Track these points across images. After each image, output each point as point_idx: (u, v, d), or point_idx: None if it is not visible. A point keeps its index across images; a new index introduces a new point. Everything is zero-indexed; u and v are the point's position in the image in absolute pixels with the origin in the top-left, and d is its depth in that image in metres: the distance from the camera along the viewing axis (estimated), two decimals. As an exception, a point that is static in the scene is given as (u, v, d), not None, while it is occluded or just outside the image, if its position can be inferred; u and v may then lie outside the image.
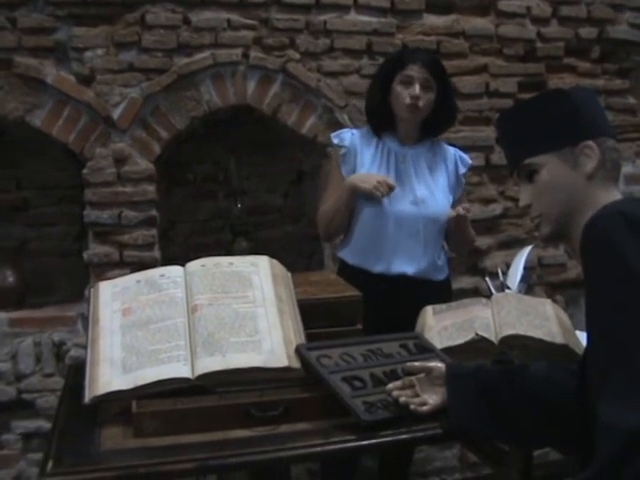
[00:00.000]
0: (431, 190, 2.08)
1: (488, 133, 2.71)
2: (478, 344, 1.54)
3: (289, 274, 1.54)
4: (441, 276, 2.14)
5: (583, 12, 2.78)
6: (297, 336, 1.37)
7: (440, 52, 2.63)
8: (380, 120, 2.12)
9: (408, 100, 2.02)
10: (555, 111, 1.17)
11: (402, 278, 2.04)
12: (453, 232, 2.12)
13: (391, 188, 1.98)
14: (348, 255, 2.12)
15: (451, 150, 2.19)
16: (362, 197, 2.04)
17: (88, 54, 2.34)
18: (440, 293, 2.07)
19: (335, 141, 2.13)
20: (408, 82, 2.02)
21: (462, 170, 2.16)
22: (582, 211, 1.12)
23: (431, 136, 2.15)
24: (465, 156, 2.20)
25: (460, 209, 2.02)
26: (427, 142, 2.15)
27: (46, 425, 2.31)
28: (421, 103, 2.02)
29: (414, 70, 2.02)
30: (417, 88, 2.01)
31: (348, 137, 2.11)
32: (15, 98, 2.30)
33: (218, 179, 2.76)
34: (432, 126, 2.13)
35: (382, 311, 1.90)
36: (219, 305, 1.37)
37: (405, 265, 2.05)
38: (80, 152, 2.37)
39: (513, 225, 2.80)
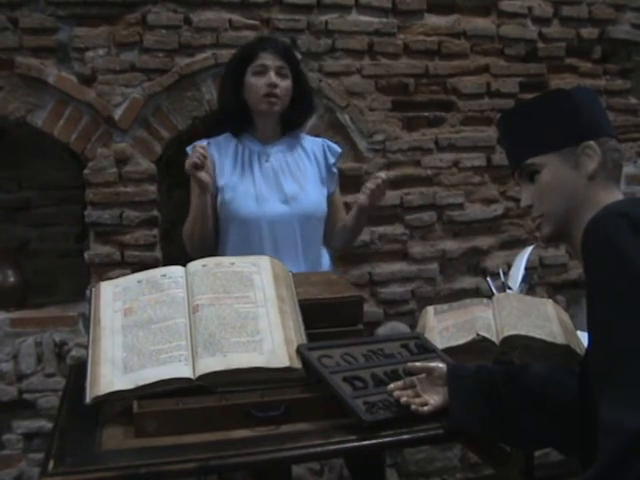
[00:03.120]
0: (301, 186, 1.95)
1: (489, 133, 2.71)
2: (479, 344, 1.54)
3: (290, 274, 1.55)
4: None
5: (584, 12, 2.78)
6: (298, 336, 1.37)
7: (441, 52, 2.63)
8: (237, 120, 1.97)
9: (264, 89, 1.87)
10: (556, 111, 1.17)
11: None
12: (356, 219, 1.98)
13: (203, 150, 1.81)
14: None
15: (319, 141, 2.06)
16: (228, 206, 1.91)
17: (89, 54, 2.33)
18: None
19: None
20: (262, 72, 1.88)
21: (332, 160, 2.03)
22: (583, 211, 1.12)
23: (292, 130, 2.01)
24: (334, 145, 2.07)
25: (378, 179, 1.85)
26: (290, 137, 2.01)
27: (47, 425, 2.31)
28: (278, 91, 1.88)
29: (266, 58, 1.88)
30: (272, 75, 1.87)
31: None
32: (16, 98, 2.30)
33: (219, 179, 2.75)
34: (291, 119, 1.99)
35: None
36: (220, 305, 1.37)
37: None
38: (81, 152, 2.37)
39: (514, 225, 2.79)
